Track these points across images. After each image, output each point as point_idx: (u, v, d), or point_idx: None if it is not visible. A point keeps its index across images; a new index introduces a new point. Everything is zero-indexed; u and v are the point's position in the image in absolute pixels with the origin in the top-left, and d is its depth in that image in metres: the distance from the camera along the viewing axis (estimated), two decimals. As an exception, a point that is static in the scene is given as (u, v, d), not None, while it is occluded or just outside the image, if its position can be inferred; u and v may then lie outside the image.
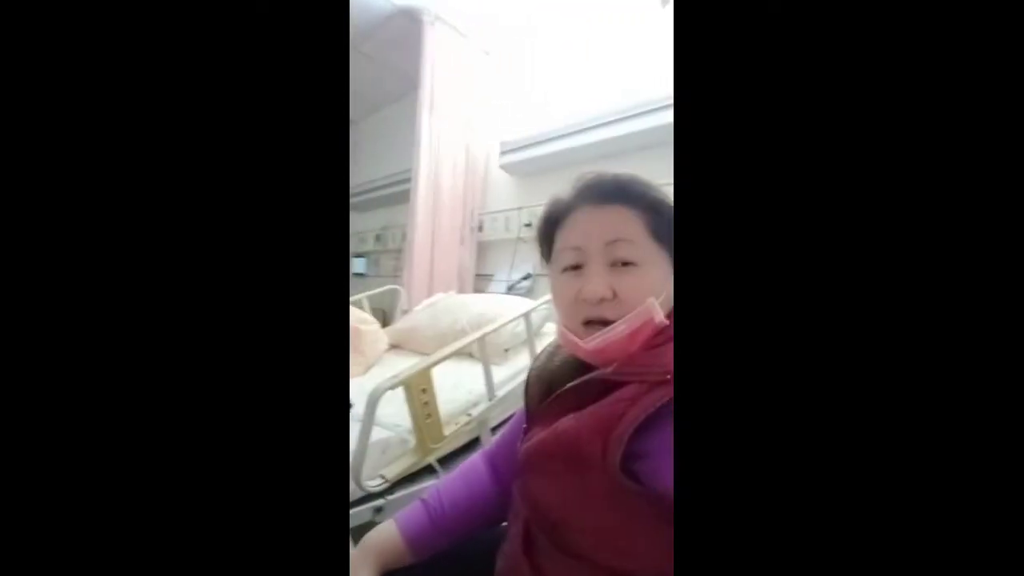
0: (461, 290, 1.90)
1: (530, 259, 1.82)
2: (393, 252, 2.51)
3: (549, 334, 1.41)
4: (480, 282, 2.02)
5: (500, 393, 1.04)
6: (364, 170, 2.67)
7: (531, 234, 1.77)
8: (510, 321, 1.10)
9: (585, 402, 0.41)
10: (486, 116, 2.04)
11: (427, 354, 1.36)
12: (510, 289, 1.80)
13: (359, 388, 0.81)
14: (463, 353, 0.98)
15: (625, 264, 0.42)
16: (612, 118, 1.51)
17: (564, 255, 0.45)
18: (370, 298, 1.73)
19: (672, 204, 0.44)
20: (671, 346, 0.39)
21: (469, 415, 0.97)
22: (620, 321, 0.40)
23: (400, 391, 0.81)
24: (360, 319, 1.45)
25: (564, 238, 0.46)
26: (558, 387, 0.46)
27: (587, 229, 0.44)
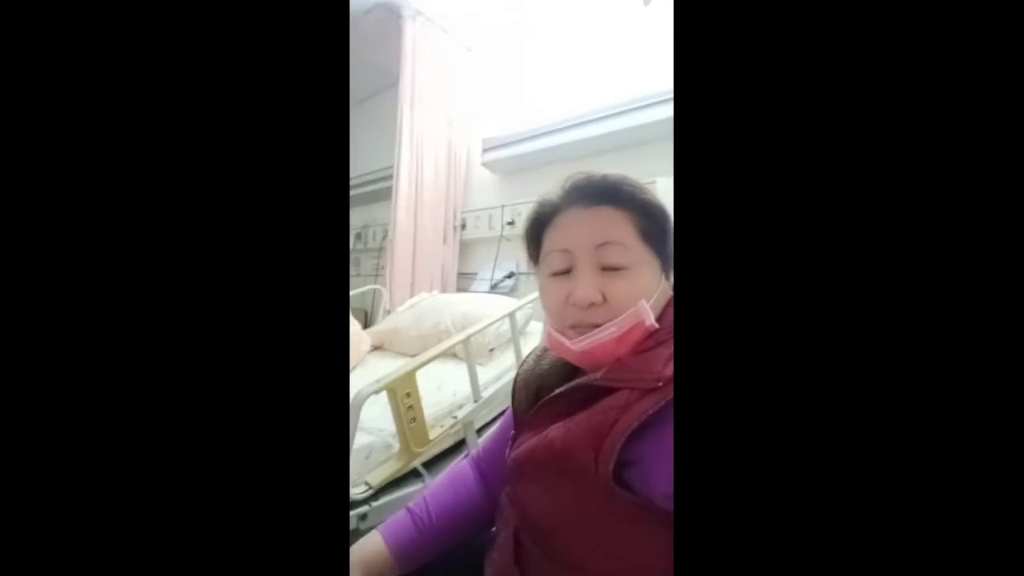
0: (444, 289, 1.88)
1: (513, 257, 1.81)
2: (373, 251, 2.47)
3: (534, 333, 1.41)
4: (463, 281, 2.00)
5: (486, 394, 1.02)
6: (343, 167, 2.61)
7: (514, 232, 1.78)
8: (495, 321, 1.09)
9: (574, 408, 0.40)
10: (468, 113, 2.02)
11: (410, 355, 1.36)
12: (493, 288, 1.79)
13: (341, 392, 0.79)
14: (447, 353, 0.96)
15: (615, 268, 0.41)
16: (595, 116, 1.51)
17: (553, 257, 0.44)
18: (351, 298, 1.70)
19: (662, 206, 0.43)
20: (661, 350, 0.38)
21: (455, 417, 0.96)
22: (610, 323, 0.40)
23: (383, 394, 0.79)
24: (341, 320, 1.41)
25: (552, 240, 0.45)
26: (546, 392, 0.46)
27: (576, 231, 0.43)
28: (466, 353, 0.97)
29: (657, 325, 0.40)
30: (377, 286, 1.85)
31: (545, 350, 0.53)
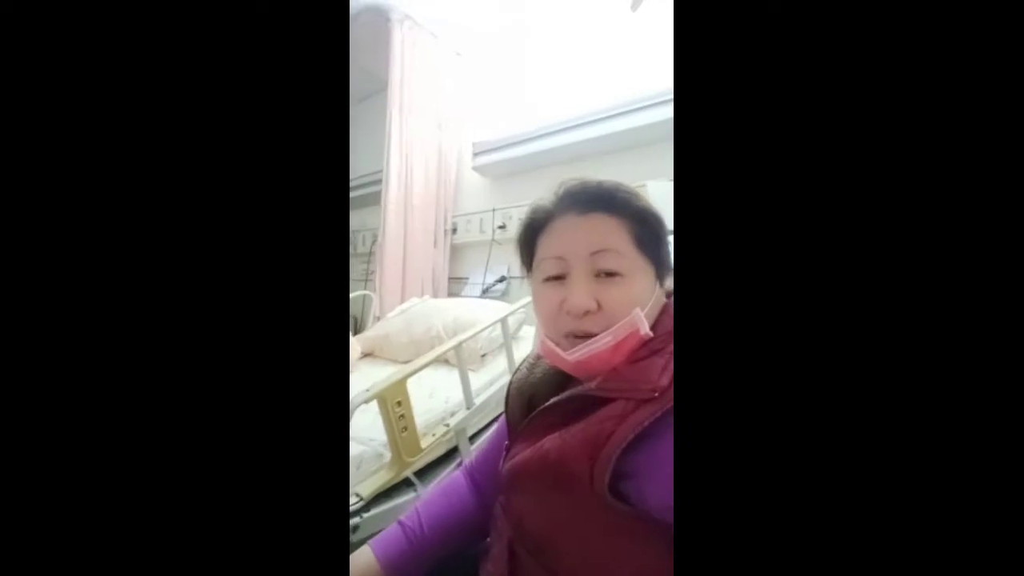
0: (435, 294, 1.87)
1: (504, 261, 1.81)
2: (363, 256, 2.45)
3: (526, 337, 1.40)
4: (454, 285, 1.99)
5: (478, 401, 1.01)
6: (332, 171, 2.59)
7: (505, 236, 1.77)
8: (487, 327, 1.08)
9: (569, 418, 0.39)
10: (458, 117, 2.02)
11: (401, 361, 1.34)
12: (485, 292, 1.78)
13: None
14: (439, 360, 0.95)
15: (609, 275, 0.41)
16: (585, 119, 1.51)
17: (546, 264, 0.44)
18: (341, 304, 1.67)
19: (656, 213, 0.43)
20: (656, 359, 0.38)
21: (447, 425, 0.95)
22: (605, 333, 0.39)
23: (374, 402, 0.78)
24: (330, 327, 1.40)
25: (546, 247, 0.44)
26: (540, 401, 0.45)
27: (570, 238, 0.42)
28: (458, 359, 0.96)
29: (652, 334, 0.39)
30: (367, 292, 1.83)
31: (538, 358, 0.53)
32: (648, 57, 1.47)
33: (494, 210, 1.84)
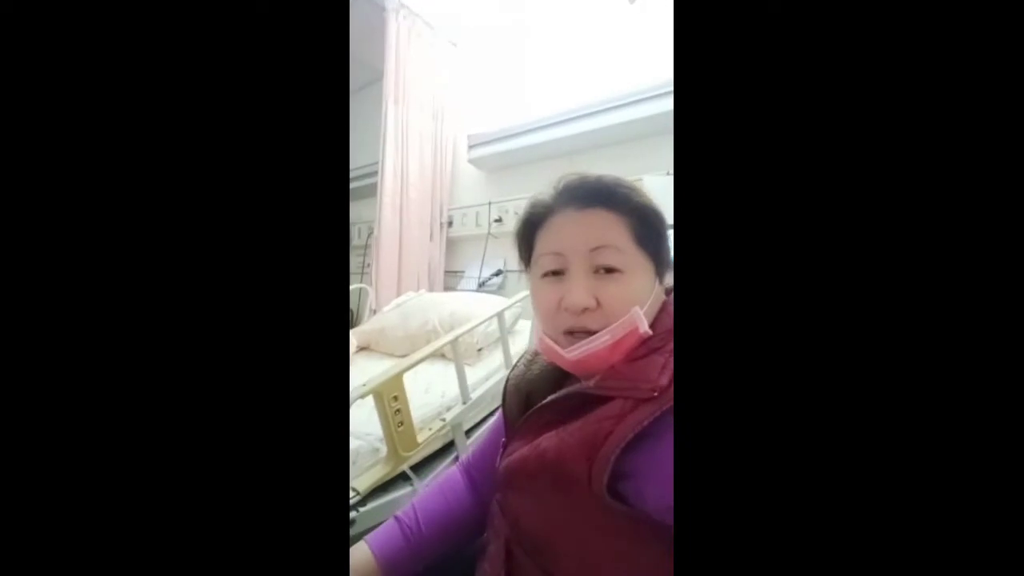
0: (431, 288, 1.86)
1: (500, 255, 1.80)
2: (359, 249, 2.43)
3: (522, 332, 1.40)
4: (450, 279, 1.98)
5: (474, 395, 1.01)
6: (326, 163, 2.56)
7: (501, 229, 1.76)
8: (483, 322, 1.07)
9: (566, 416, 0.39)
10: (453, 109, 2.00)
11: (397, 355, 1.34)
12: (481, 286, 1.78)
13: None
14: (435, 354, 0.95)
15: (608, 271, 0.40)
16: (581, 112, 1.50)
17: (545, 260, 0.43)
18: (336, 298, 1.66)
19: (656, 209, 0.42)
20: (655, 358, 0.38)
21: (443, 420, 0.95)
22: (604, 331, 0.39)
23: (370, 397, 0.77)
24: (326, 321, 1.39)
25: (545, 242, 0.44)
26: (537, 398, 0.45)
27: (569, 234, 0.42)
28: (454, 354, 0.96)
29: (651, 332, 0.39)
30: (363, 285, 1.82)
31: (536, 354, 0.52)
32: (645, 50, 1.46)
33: (490, 203, 1.83)
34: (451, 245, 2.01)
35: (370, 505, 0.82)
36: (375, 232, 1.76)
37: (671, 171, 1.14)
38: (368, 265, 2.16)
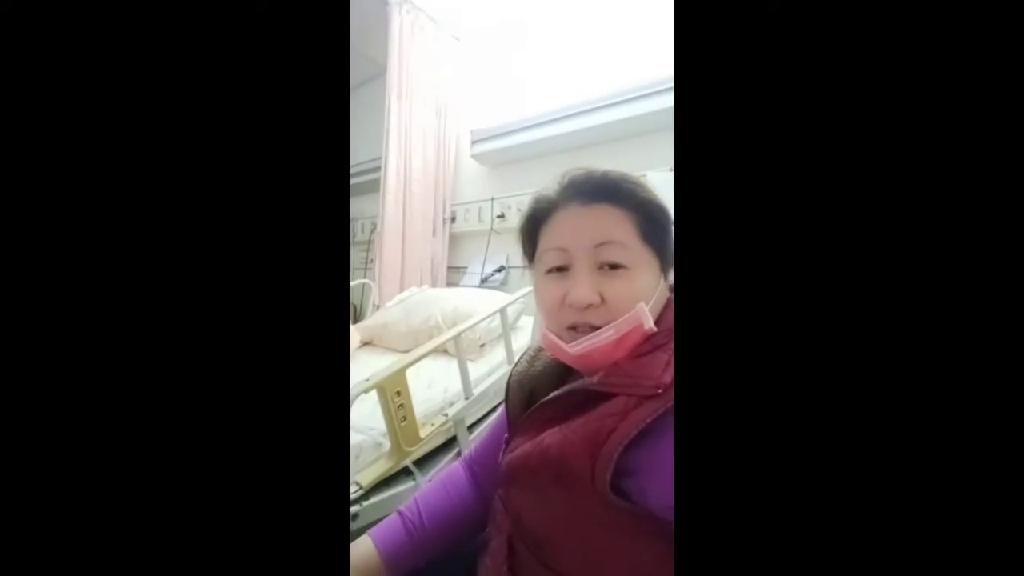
0: (434, 283, 1.86)
1: (503, 251, 1.80)
2: (362, 244, 2.43)
3: (525, 328, 1.40)
4: (452, 275, 1.98)
5: (477, 391, 1.02)
6: (329, 158, 2.56)
7: (504, 225, 1.76)
8: (486, 318, 1.07)
9: (569, 412, 0.39)
10: (456, 104, 1.99)
11: (400, 351, 1.34)
12: (483, 282, 1.78)
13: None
14: (437, 350, 0.95)
15: (613, 267, 0.40)
16: (585, 107, 1.49)
17: (549, 256, 0.43)
18: (339, 293, 1.67)
19: (662, 205, 0.42)
20: (659, 354, 0.37)
21: (446, 415, 0.95)
22: (608, 327, 0.38)
23: (373, 391, 0.78)
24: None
25: (549, 238, 0.43)
26: (540, 394, 0.45)
27: (574, 229, 0.42)
28: (457, 349, 0.96)
29: (656, 329, 0.39)
30: (366, 280, 1.83)
31: (539, 350, 0.52)
32: (649, 45, 1.44)
33: (493, 199, 1.83)
34: (454, 241, 2.01)
35: (373, 499, 0.82)
36: (378, 227, 1.76)
37: (675, 167, 1.14)
38: (371, 260, 2.17)
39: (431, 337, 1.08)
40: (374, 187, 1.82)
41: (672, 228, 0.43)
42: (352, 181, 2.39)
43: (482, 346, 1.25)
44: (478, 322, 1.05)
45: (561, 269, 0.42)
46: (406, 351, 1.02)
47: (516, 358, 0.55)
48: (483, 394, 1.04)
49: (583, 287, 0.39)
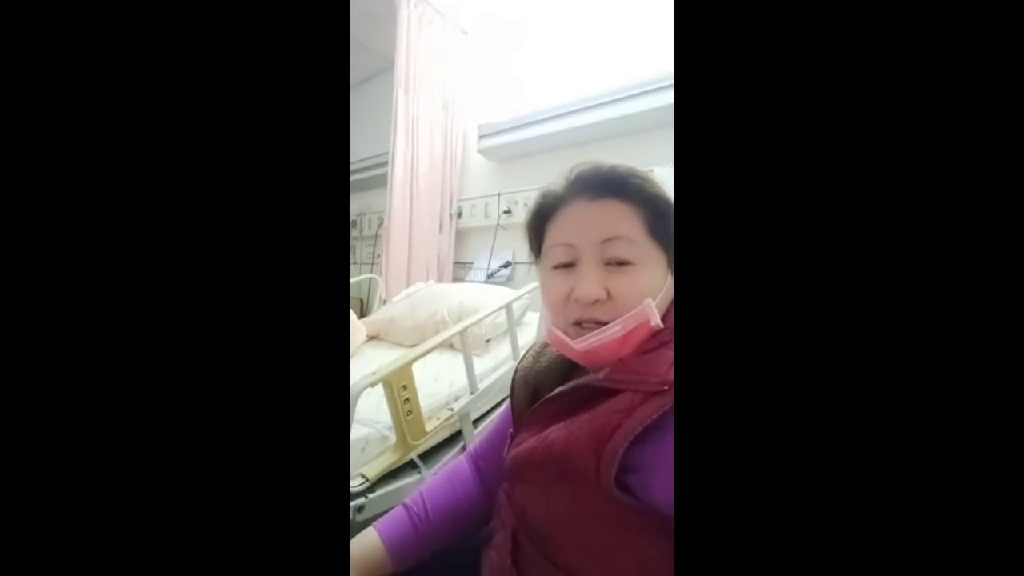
0: (440, 279, 1.86)
1: (509, 247, 1.80)
2: (369, 239, 2.44)
3: (530, 323, 1.40)
4: (459, 270, 1.98)
5: (482, 386, 1.02)
6: (337, 153, 2.57)
7: (510, 221, 1.76)
8: (492, 313, 1.07)
9: (575, 408, 0.39)
10: (464, 98, 1.99)
11: (406, 345, 1.35)
12: (489, 277, 1.78)
13: (336, 384, 0.78)
14: (443, 344, 0.95)
15: (620, 263, 0.40)
16: (593, 102, 1.48)
17: (555, 251, 0.43)
18: (346, 287, 1.68)
19: (669, 200, 0.42)
20: (665, 351, 0.37)
21: (451, 409, 0.95)
22: (615, 322, 0.38)
23: (379, 385, 0.78)
24: (336, 309, 1.40)
25: (556, 233, 0.43)
26: (545, 389, 0.45)
27: (581, 225, 0.41)
28: (462, 344, 0.96)
29: (662, 325, 0.39)
30: (373, 275, 1.83)
31: (544, 346, 0.52)
32: (657, 40, 1.43)
33: (499, 194, 1.82)
34: (460, 236, 2.01)
35: (379, 492, 0.83)
36: (385, 222, 1.76)
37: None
38: (378, 255, 2.17)
39: (437, 332, 1.09)
40: (381, 182, 1.82)
41: None
42: (359, 176, 2.40)
43: (488, 341, 1.25)
44: (484, 317, 1.05)
45: (568, 265, 0.42)
46: (412, 346, 1.02)
47: (521, 354, 0.55)
48: (488, 389, 1.04)
49: (589, 282, 0.39)
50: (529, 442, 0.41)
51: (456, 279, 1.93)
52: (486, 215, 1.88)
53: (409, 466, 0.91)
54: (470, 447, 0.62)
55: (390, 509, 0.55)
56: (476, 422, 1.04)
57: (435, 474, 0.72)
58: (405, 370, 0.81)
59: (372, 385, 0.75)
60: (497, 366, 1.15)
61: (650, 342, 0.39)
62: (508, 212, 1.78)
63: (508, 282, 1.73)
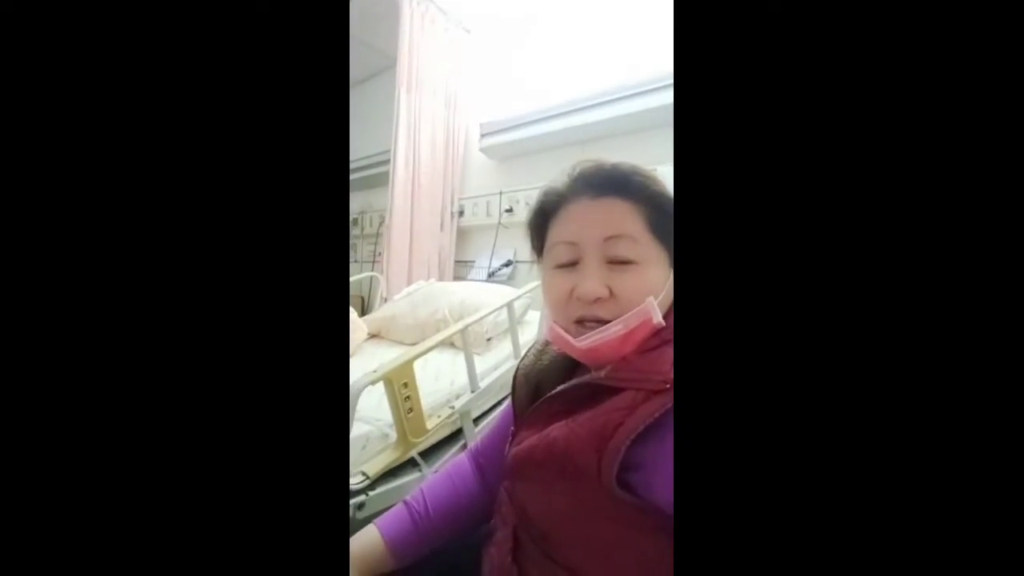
0: (441, 277, 1.86)
1: (511, 245, 1.80)
2: (370, 237, 2.44)
3: (531, 322, 1.40)
4: (460, 269, 1.98)
5: (483, 384, 1.02)
6: (339, 151, 2.57)
7: (512, 219, 1.76)
8: (493, 311, 1.07)
9: (576, 406, 0.39)
10: (466, 96, 1.98)
11: (407, 343, 1.35)
12: (491, 276, 1.78)
13: (338, 382, 0.78)
14: (444, 342, 0.95)
15: (623, 262, 0.40)
16: (596, 101, 1.48)
17: (558, 250, 0.43)
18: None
19: (672, 198, 0.42)
20: (666, 349, 0.37)
21: (452, 407, 0.95)
22: (617, 321, 0.38)
23: (380, 383, 0.78)
24: (337, 307, 1.40)
25: (558, 231, 0.43)
26: (547, 387, 0.45)
27: (583, 223, 0.41)
28: (463, 343, 0.96)
29: (664, 323, 0.39)
30: (374, 273, 1.83)
31: (546, 344, 0.52)
32: (660, 38, 1.43)
33: (501, 193, 1.82)
34: (462, 235, 2.01)
35: (379, 489, 0.83)
36: (387, 220, 1.76)
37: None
38: (379, 253, 2.18)
39: (438, 330, 1.09)
40: (383, 180, 1.83)
41: None
42: (361, 174, 2.40)
43: (489, 340, 1.25)
44: (485, 316, 1.05)
45: (570, 263, 0.42)
46: (413, 344, 1.03)
47: (523, 352, 0.55)
48: (489, 387, 1.04)
49: (591, 280, 0.39)
50: (530, 440, 0.41)
51: (457, 277, 1.93)
52: (488, 213, 1.88)
53: (410, 464, 0.91)
54: (471, 445, 0.62)
55: (390, 506, 0.55)
56: (477, 420, 1.04)
57: (436, 472, 0.72)
58: (406, 368, 0.82)
59: (373, 383, 0.75)
60: (498, 364, 1.15)
61: (652, 340, 0.39)
62: (510, 211, 1.78)
63: (509, 281, 1.73)
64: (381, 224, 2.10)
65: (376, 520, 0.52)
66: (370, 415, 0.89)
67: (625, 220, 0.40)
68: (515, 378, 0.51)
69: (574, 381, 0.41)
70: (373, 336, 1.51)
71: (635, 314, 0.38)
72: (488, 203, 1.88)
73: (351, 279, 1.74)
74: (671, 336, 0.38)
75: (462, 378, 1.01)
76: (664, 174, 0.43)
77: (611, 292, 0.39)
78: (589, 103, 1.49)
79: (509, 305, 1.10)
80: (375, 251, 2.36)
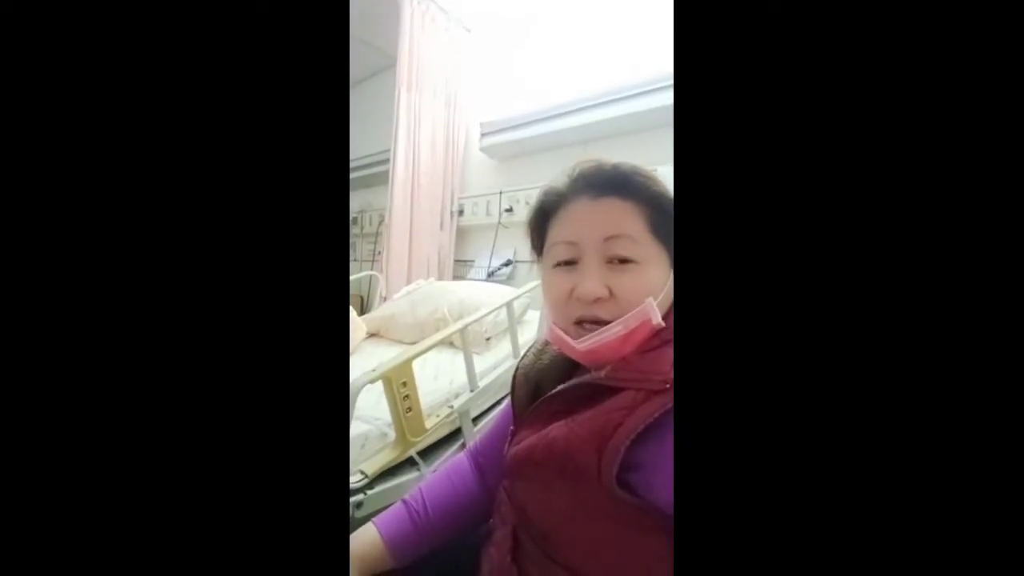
0: (440, 277, 1.86)
1: (510, 245, 1.80)
2: (370, 236, 2.44)
3: (531, 322, 1.40)
4: (459, 268, 1.98)
5: (482, 383, 1.02)
6: (338, 150, 2.56)
7: (512, 219, 1.76)
8: (492, 311, 1.07)
9: (576, 406, 0.39)
10: (466, 96, 1.98)
11: (406, 343, 1.35)
12: (490, 276, 1.78)
13: (336, 381, 0.78)
14: (443, 342, 0.95)
15: (623, 261, 0.40)
16: (596, 101, 1.48)
17: (557, 249, 0.43)
18: (346, 284, 1.68)
19: (672, 199, 0.42)
20: (667, 349, 0.37)
21: (451, 407, 0.95)
22: (616, 322, 0.38)
23: (379, 382, 0.78)
24: (336, 306, 1.40)
25: (558, 231, 0.43)
26: (547, 387, 0.45)
27: (583, 223, 0.41)
28: (463, 342, 0.96)
29: (663, 324, 0.39)
30: (374, 272, 1.83)
31: (546, 344, 0.52)
32: (661, 38, 1.43)
33: (501, 192, 1.82)
34: (461, 234, 2.01)
35: (378, 488, 0.83)
36: (386, 220, 1.76)
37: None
38: (379, 252, 2.18)
39: (437, 329, 1.09)
40: (383, 179, 1.82)
41: None
42: (361, 173, 2.40)
43: (488, 339, 1.25)
44: (484, 315, 1.05)
45: (570, 263, 0.42)
46: (412, 343, 1.03)
47: (522, 352, 0.55)
48: (488, 387, 1.04)
49: (591, 281, 0.39)
50: (530, 440, 0.41)
51: (457, 277, 1.93)
52: (487, 213, 1.87)
53: (408, 463, 0.91)
54: (470, 444, 0.61)
55: (389, 505, 0.55)
56: (476, 420, 1.04)
57: (434, 471, 0.72)
58: (405, 367, 0.82)
59: (372, 382, 0.75)
60: (497, 364, 1.15)
61: (652, 340, 0.39)
62: (510, 210, 1.78)
63: (509, 280, 1.73)
64: (381, 223, 2.10)
65: (375, 519, 0.52)
66: (369, 414, 0.89)
67: (625, 220, 0.40)
68: (514, 378, 0.51)
69: (574, 381, 0.41)
70: (372, 335, 1.51)
71: (634, 315, 0.38)
72: (488, 202, 1.88)
73: (350, 278, 1.74)
74: (671, 336, 0.38)
75: (461, 377, 1.01)
76: (664, 174, 0.43)
77: (611, 292, 0.39)
78: (590, 103, 1.49)
79: (508, 305, 1.09)
80: (375, 250, 2.36)
